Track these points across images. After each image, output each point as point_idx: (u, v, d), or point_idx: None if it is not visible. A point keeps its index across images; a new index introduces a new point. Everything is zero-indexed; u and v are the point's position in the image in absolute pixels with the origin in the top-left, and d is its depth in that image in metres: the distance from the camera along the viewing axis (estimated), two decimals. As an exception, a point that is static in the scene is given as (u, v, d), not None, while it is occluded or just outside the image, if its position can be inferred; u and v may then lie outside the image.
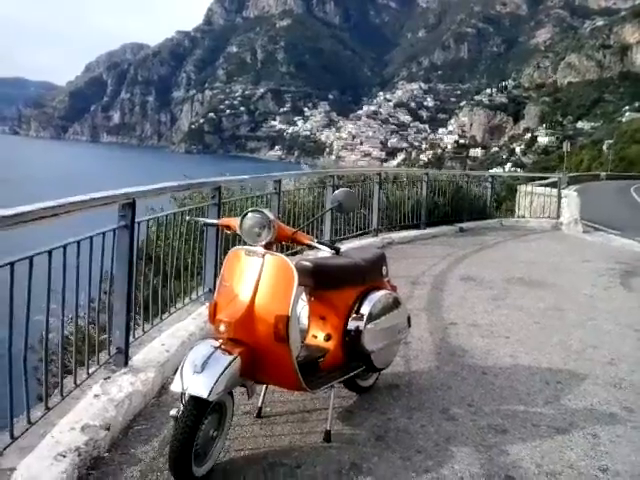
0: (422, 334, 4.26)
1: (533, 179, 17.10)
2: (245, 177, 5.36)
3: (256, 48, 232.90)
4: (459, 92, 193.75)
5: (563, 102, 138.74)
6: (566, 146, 55.58)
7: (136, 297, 3.38)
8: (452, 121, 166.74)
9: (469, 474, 2.41)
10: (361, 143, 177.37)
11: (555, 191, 12.32)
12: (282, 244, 3.35)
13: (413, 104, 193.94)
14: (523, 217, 12.29)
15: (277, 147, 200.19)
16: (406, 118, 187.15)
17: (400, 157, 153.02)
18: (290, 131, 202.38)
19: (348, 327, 2.82)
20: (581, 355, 4.00)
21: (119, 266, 3.01)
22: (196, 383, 2.14)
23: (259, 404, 2.85)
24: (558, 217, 11.48)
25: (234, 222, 2.62)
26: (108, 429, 2.47)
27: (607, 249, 8.98)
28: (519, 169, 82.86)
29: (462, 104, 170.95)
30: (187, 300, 4.14)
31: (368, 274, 2.99)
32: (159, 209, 4.49)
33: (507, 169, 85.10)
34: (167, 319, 3.82)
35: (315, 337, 2.85)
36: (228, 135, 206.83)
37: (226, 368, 2.19)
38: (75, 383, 2.74)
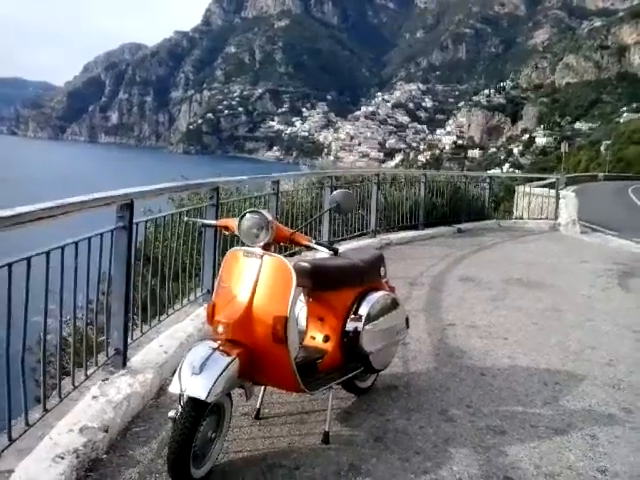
0: (420, 335, 4.26)
1: (531, 180, 17.17)
2: (243, 178, 5.35)
3: (254, 48, 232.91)
4: (457, 93, 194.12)
5: (561, 103, 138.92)
6: (564, 147, 55.86)
7: (134, 298, 3.37)
8: (450, 122, 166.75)
9: (468, 475, 2.41)
10: (359, 144, 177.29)
11: (553, 192, 12.34)
12: (280, 245, 3.35)
13: (411, 105, 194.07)
14: (521, 218, 12.31)
15: (275, 148, 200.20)
16: (404, 119, 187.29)
17: (398, 158, 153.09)
18: (288, 132, 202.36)
19: (346, 328, 2.82)
20: (579, 356, 4.00)
21: (117, 267, 3.00)
22: (194, 384, 2.14)
23: (257, 405, 2.85)
24: (556, 218, 11.49)
25: (232, 223, 2.62)
26: (106, 431, 2.47)
27: (605, 250, 8.99)
28: (517, 170, 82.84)
29: (460, 105, 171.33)
30: (185, 301, 4.13)
31: (366, 275, 2.99)
32: (157, 210, 4.49)
33: (505, 170, 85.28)
34: (165, 320, 3.82)
35: (313, 338, 2.85)
36: (226, 136, 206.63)
37: (224, 369, 2.19)
38: (73, 385, 2.73)
